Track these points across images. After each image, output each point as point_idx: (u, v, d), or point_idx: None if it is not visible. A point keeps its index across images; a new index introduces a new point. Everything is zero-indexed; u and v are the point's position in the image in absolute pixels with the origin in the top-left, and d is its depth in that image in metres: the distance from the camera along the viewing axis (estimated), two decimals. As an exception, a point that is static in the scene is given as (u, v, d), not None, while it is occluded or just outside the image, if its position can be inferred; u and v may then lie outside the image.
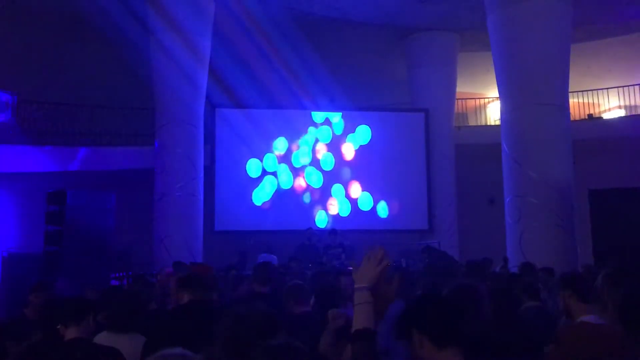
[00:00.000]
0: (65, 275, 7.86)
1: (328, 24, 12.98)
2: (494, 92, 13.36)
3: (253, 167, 13.15)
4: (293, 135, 13.42)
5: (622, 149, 13.76)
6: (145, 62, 11.57)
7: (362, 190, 13.53)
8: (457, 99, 15.06)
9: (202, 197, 11.62)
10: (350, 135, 13.70)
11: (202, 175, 11.68)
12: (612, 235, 10.76)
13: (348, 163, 13.62)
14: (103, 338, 3.10)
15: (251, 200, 13.03)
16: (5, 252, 11.19)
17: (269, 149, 13.27)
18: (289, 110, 13.66)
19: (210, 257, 10.74)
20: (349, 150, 13.65)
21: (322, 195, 13.36)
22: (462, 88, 15.44)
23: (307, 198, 13.26)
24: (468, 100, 16.68)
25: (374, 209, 13.55)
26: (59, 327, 2.95)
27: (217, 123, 13.12)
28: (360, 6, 12.30)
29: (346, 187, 13.50)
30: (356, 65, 15.43)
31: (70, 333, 2.86)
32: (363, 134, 13.76)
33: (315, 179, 13.40)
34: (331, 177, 13.46)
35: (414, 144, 13.93)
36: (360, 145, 13.71)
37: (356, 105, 14.92)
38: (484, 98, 17.23)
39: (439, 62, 14.09)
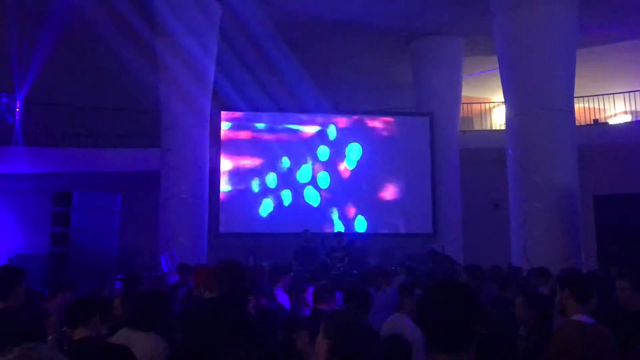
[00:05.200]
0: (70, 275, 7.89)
1: (334, 28, 13.01)
2: (499, 96, 13.36)
3: (255, 184, 13.08)
4: (295, 153, 13.31)
5: (627, 155, 13.72)
6: (153, 63, 11.62)
7: (357, 213, 13.41)
8: (463, 103, 15.05)
9: (207, 199, 11.66)
10: (345, 154, 13.59)
11: (207, 177, 11.72)
12: (617, 241, 10.73)
13: (343, 182, 13.48)
14: (122, 335, 3.15)
15: (256, 206, 13.03)
16: (12, 253, 11.24)
17: (271, 167, 13.18)
18: (290, 126, 13.44)
19: (215, 259, 10.76)
20: (344, 170, 13.56)
21: (320, 215, 13.18)
22: (468, 92, 15.44)
23: (305, 216, 12.87)
24: (473, 105, 16.68)
25: (369, 231, 13.39)
26: (64, 329, 2.96)
27: (222, 125, 13.16)
28: (366, 10, 12.32)
29: (341, 207, 13.40)
30: (361, 69, 15.45)
31: (79, 333, 2.90)
32: (355, 151, 13.63)
33: (313, 198, 13.32)
34: (327, 196, 13.37)
35: (419, 147, 13.91)
36: (356, 164, 13.60)
37: (360, 109, 14.94)
38: (490, 102, 17.23)
39: (444, 66, 14.10)
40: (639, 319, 3.46)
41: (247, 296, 3.59)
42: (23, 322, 2.51)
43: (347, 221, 13.28)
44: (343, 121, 13.82)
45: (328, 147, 13.56)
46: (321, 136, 13.60)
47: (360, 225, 13.39)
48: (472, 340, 1.80)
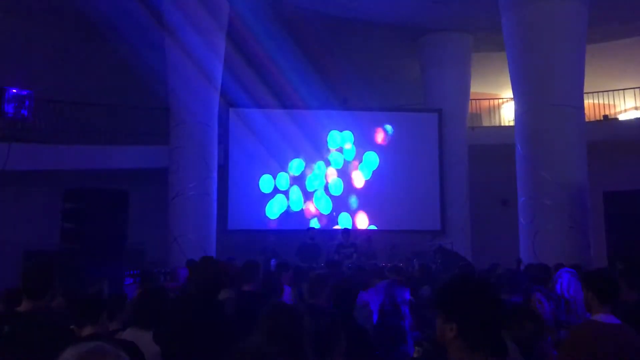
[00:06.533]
0: (81, 272, 7.93)
1: (341, 25, 12.99)
2: (508, 92, 13.30)
3: (265, 183, 13.06)
4: (305, 155, 13.29)
5: (637, 151, 13.64)
6: (161, 61, 11.66)
7: (370, 223, 13.36)
8: (471, 100, 15.00)
9: (215, 196, 11.70)
10: (360, 164, 13.57)
11: (215, 174, 11.76)
12: (627, 238, 10.65)
13: (356, 191, 13.48)
14: (129, 334, 3.17)
15: (263, 207, 13.03)
16: (23, 250, 11.32)
17: (281, 167, 13.18)
18: (300, 125, 13.30)
19: (223, 255, 10.80)
20: (358, 178, 13.53)
21: (329, 223, 13.14)
22: (476, 88, 15.39)
23: (314, 224, 12.75)
24: (482, 101, 16.62)
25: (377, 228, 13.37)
26: (72, 327, 2.98)
27: (231, 122, 13.18)
28: (374, 7, 12.30)
29: (353, 216, 13.37)
30: (370, 65, 15.43)
31: (87, 331, 2.91)
32: (371, 160, 13.61)
33: (324, 204, 13.30)
34: (339, 204, 13.34)
35: (428, 144, 13.89)
36: (371, 174, 13.59)
37: (369, 106, 14.93)
38: (498, 98, 17.15)
39: (452, 62, 14.05)
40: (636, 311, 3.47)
41: (218, 291, 3.52)
42: (54, 322, 2.53)
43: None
44: (355, 124, 13.74)
45: (342, 153, 13.55)
46: (334, 140, 13.57)
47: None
48: None
